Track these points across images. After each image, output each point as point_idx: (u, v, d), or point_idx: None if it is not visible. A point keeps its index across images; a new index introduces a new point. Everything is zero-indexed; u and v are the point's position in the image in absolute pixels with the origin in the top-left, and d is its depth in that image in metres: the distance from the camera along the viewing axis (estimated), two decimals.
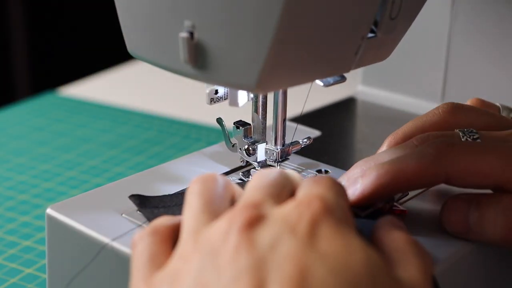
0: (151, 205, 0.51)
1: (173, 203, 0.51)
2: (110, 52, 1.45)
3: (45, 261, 0.54)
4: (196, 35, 0.45)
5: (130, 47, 0.50)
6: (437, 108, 0.54)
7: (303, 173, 0.57)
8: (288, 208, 0.41)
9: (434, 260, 0.47)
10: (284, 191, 0.45)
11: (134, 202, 0.51)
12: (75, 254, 0.50)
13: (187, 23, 0.45)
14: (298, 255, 0.38)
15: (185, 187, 0.53)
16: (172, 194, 0.52)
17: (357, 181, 0.49)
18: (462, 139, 0.50)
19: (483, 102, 0.57)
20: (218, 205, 0.44)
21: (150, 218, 0.49)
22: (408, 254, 0.42)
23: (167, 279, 0.41)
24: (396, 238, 0.44)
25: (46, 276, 0.53)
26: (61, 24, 1.99)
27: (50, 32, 1.98)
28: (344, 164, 0.59)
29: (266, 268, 0.38)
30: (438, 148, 0.49)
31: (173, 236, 0.45)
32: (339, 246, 0.39)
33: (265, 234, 0.40)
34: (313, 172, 0.57)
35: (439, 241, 0.49)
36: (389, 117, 0.72)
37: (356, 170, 0.51)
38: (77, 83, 1.06)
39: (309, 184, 0.44)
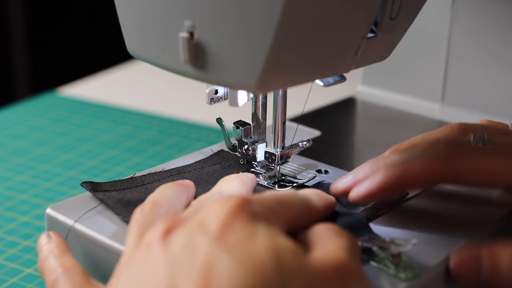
0: (103, 189, 0.53)
1: (124, 186, 0.53)
2: (110, 52, 1.45)
3: None
4: (196, 35, 0.45)
5: (130, 47, 0.50)
6: (445, 126, 0.54)
7: (303, 172, 0.57)
8: (205, 208, 0.43)
9: (434, 260, 0.47)
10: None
11: (87, 188, 0.53)
12: (75, 254, 0.50)
13: (187, 23, 0.45)
14: (206, 251, 0.39)
15: (137, 173, 0.56)
16: (122, 179, 0.54)
17: (366, 179, 0.49)
18: (472, 143, 0.50)
19: (492, 122, 0.57)
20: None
21: (103, 199, 0.52)
22: (330, 236, 0.43)
23: None
24: (317, 227, 0.44)
25: None
26: (61, 24, 1.99)
27: (50, 32, 1.98)
28: (344, 164, 0.59)
29: (178, 268, 0.39)
30: (448, 147, 0.49)
31: (82, 268, 0.47)
32: (245, 236, 0.40)
33: (180, 238, 0.41)
34: (313, 172, 0.57)
35: (438, 241, 0.49)
36: (389, 117, 0.72)
37: (365, 168, 0.51)
38: (77, 83, 1.06)
39: (232, 183, 0.47)
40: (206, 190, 0.54)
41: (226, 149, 0.59)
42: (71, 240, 0.50)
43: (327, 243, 0.43)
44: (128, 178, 0.54)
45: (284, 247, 0.40)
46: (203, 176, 0.55)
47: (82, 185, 0.53)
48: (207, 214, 0.42)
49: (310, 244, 0.43)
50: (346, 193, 0.50)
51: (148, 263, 0.41)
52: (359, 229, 0.48)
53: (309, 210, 0.46)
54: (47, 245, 0.49)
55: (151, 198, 0.48)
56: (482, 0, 0.68)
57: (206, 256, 0.39)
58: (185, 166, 0.57)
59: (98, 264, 0.50)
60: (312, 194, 0.48)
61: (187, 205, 0.50)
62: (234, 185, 0.50)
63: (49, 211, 0.52)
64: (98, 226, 0.49)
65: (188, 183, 0.51)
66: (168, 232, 0.41)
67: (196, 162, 0.58)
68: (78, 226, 0.50)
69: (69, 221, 0.51)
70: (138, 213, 0.46)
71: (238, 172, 0.56)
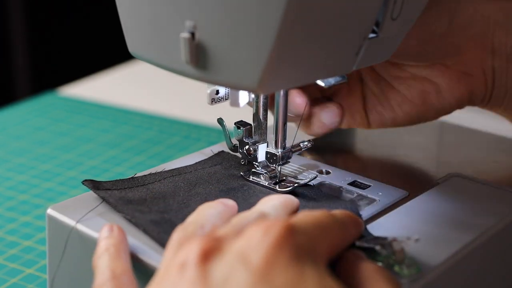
0: (104, 188, 0.53)
1: (125, 186, 0.53)
2: (110, 52, 1.45)
3: (46, 261, 0.54)
4: (197, 36, 0.45)
5: (131, 47, 0.50)
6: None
7: (303, 173, 0.57)
8: (247, 235, 0.40)
9: (435, 260, 0.47)
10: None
11: (88, 186, 0.53)
12: (76, 254, 0.50)
13: (189, 24, 0.45)
14: None
15: (138, 173, 0.55)
16: (123, 179, 0.54)
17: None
18: None
19: None
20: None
21: (104, 197, 0.52)
22: (379, 281, 0.42)
23: None
24: (364, 268, 0.43)
25: (46, 276, 0.53)
26: (61, 24, 1.99)
27: (50, 32, 1.98)
28: (345, 165, 0.59)
29: None
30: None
31: (133, 277, 0.45)
32: (292, 277, 0.38)
33: (220, 267, 0.39)
34: (314, 172, 0.57)
35: (439, 242, 0.49)
36: None
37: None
38: (77, 83, 1.06)
39: (273, 203, 0.44)
40: (207, 190, 0.54)
41: (227, 149, 0.59)
42: (73, 241, 0.50)
43: None
44: (129, 178, 0.54)
45: None
46: (204, 176, 0.55)
47: (83, 183, 0.53)
48: (248, 243, 0.39)
49: (360, 287, 0.42)
50: None
51: (182, 286, 0.39)
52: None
53: (345, 235, 0.45)
54: (106, 240, 0.47)
55: (195, 218, 0.46)
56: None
57: None
58: (186, 166, 0.57)
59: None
60: (345, 217, 0.46)
61: None
62: (275, 205, 0.47)
63: (49, 211, 0.52)
64: (100, 227, 0.49)
65: (232, 204, 0.48)
66: (206, 256, 0.39)
67: (197, 163, 0.58)
68: (80, 227, 0.50)
69: (70, 221, 0.51)
70: (180, 232, 0.44)
71: (239, 173, 0.56)
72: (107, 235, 0.47)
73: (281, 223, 0.40)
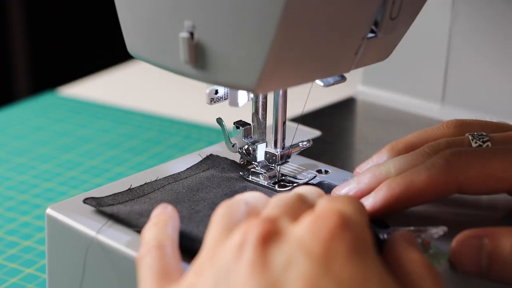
0: (107, 204, 0.51)
1: (125, 198, 0.52)
2: (110, 52, 1.45)
3: (45, 261, 0.54)
4: (196, 35, 0.45)
5: (130, 47, 0.50)
6: (441, 123, 0.54)
7: (303, 173, 0.57)
8: (304, 224, 0.40)
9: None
10: (302, 208, 0.43)
11: (91, 204, 0.51)
12: (75, 254, 0.50)
13: (187, 23, 0.45)
14: (312, 278, 0.37)
15: (131, 183, 0.54)
16: (121, 192, 0.53)
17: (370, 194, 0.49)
18: (472, 143, 0.50)
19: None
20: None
21: (113, 214, 0.50)
22: (425, 279, 0.42)
23: None
24: (413, 259, 0.43)
25: (46, 276, 0.53)
26: (61, 24, 1.99)
27: (50, 32, 1.97)
28: (344, 164, 0.59)
29: None
30: (447, 158, 0.48)
31: (177, 250, 0.45)
32: (355, 272, 0.38)
33: (280, 253, 0.39)
34: (313, 172, 0.57)
35: (438, 241, 0.49)
36: (389, 117, 0.72)
37: (367, 175, 0.50)
38: (77, 83, 1.06)
39: (328, 199, 0.43)
40: (211, 194, 0.53)
41: (225, 149, 0.59)
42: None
43: None
44: (127, 190, 0.53)
45: None
46: (203, 182, 0.55)
47: (85, 202, 0.52)
48: (306, 230, 0.39)
49: (405, 278, 0.42)
50: None
51: (240, 267, 0.38)
52: (379, 224, 0.49)
53: (369, 219, 0.45)
54: (157, 216, 0.47)
55: (239, 196, 0.45)
56: (483, 0, 0.68)
57: (313, 283, 0.37)
58: (179, 173, 0.56)
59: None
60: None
61: None
62: (310, 189, 0.47)
63: (49, 211, 0.52)
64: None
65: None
66: (265, 240, 0.39)
67: (188, 168, 0.57)
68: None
69: (70, 222, 0.51)
70: (226, 208, 0.44)
71: (235, 174, 0.56)
72: (159, 212, 0.47)
73: (336, 212, 0.40)
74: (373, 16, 0.48)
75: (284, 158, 0.56)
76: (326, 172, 0.58)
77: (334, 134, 0.65)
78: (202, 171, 0.56)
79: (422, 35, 0.72)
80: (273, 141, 0.56)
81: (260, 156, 0.56)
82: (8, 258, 0.64)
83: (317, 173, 0.57)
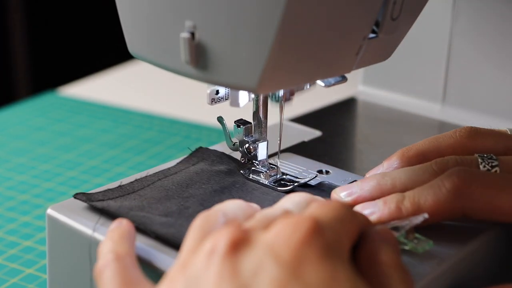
0: (97, 199, 0.52)
1: (116, 195, 0.52)
2: (110, 52, 1.45)
3: (46, 261, 0.54)
4: (197, 36, 0.45)
5: (131, 47, 0.50)
6: (454, 130, 0.54)
7: (303, 173, 0.57)
8: (275, 230, 0.40)
9: (433, 260, 0.47)
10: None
11: (81, 199, 0.52)
12: (76, 254, 0.50)
13: (188, 24, 0.45)
14: (280, 283, 0.37)
15: (122, 180, 0.54)
16: (112, 188, 0.53)
17: (376, 205, 0.49)
18: (481, 166, 0.50)
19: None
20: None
21: (103, 208, 0.51)
22: (394, 281, 0.42)
23: None
24: (385, 260, 0.43)
25: (46, 276, 0.53)
26: (61, 24, 1.99)
27: (50, 32, 1.98)
28: (344, 165, 0.59)
29: None
30: (455, 183, 0.48)
31: (136, 261, 0.45)
32: (323, 276, 0.38)
33: (249, 259, 0.39)
34: (313, 172, 0.57)
35: (437, 241, 0.49)
36: (390, 117, 0.72)
37: (371, 183, 0.50)
38: (77, 83, 1.06)
39: (308, 205, 0.43)
40: (201, 190, 0.53)
41: (225, 148, 0.59)
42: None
43: None
44: (117, 187, 0.53)
45: None
46: (193, 177, 0.55)
47: (76, 197, 0.52)
48: (276, 236, 0.39)
49: (375, 278, 0.42)
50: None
51: (209, 274, 0.39)
52: None
53: (359, 224, 0.44)
54: (112, 231, 0.47)
55: (220, 207, 0.46)
56: (483, 0, 0.68)
57: None
58: (169, 168, 0.56)
59: None
60: (355, 211, 0.46)
61: None
62: (299, 202, 0.47)
63: (49, 211, 0.52)
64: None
65: (256, 207, 0.48)
66: (235, 247, 0.39)
67: (178, 163, 0.57)
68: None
69: (71, 222, 0.51)
70: (203, 219, 0.44)
71: (224, 167, 0.56)
72: (114, 227, 0.48)
73: (309, 219, 0.40)
74: (374, 17, 0.48)
75: (287, 95, 0.53)
76: (327, 172, 0.58)
77: (334, 134, 0.65)
78: (192, 165, 0.56)
79: (423, 36, 0.72)
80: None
81: (261, 154, 0.56)
82: (9, 258, 0.64)
83: (317, 173, 0.57)
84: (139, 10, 0.48)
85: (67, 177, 0.77)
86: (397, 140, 0.64)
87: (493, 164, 0.50)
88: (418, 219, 0.47)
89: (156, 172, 0.55)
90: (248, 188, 0.55)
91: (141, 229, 0.49)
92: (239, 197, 0.53)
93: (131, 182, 0.54)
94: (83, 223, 0.50)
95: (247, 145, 0.56)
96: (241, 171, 0.57)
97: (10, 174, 0.78)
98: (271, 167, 0.56)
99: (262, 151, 0.56)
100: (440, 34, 0.71)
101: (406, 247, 0.47)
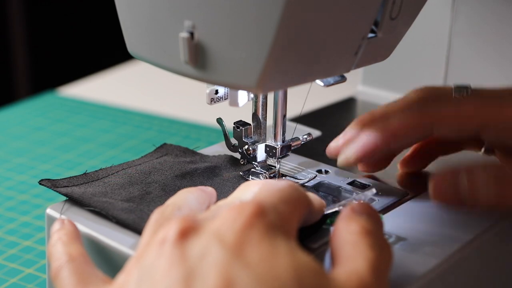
0: (62, 185, 0.53)
1: (80, 181, 0.54)
2: (110, 52, 1.45)
3: (45, 261, 0.54)
4: (196, 35, 0.45)
5: (130, 47, 0.50)
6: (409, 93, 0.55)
7: (303, 172, 0.57)
8: (221, 216, 0.42)
9: (432, 260, 0.47)
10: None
11: (46, 185, 0.53)
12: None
13: (188, 23, 0.45)
14: (224, 264, 0.39)
15: (93, 169, 0.56)
16: (77, 176, 0.55)
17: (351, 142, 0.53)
18: (454, 94, 0.53)
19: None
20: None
21: (67, 194, 0.52)
22: (359, 246, 0.42)
23: None
24: (351, 230, 0.43)
25: (46, 276, 0.53)
26: (61, 24, 1.99)
27: (50, 32, 1.98)
28: None
29: (193, 279, 0.39)
30: (423, 98, 0.52)
31: (89, 258, 0.47)
32: (265, 254, 0.39)
33: (196, 245, 0.40)
34: (313, 172, 0.57)
35: (438, 242, 0.49)
36: None
37: (353, 128, 0.53)
38: (77, 83, 1.06)
39: (252, 189, 0.45)
40: (163, 177, 0.55)
41: (226, 149, 0.59)
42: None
43: (353, 259, 0.42)
44: (83, 174, 0.55)
45: (306, 266, 0.40)
46: (156, 165, 0.56)
47: (40, 183, 0.54)
48: (222, 222, 0.41)
49: (335, 253, 0.43)
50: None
51: (160, 262, 0.40)
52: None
53: (310, 205, 0.46)
54: (58, 232, 0.49)
55: (173, 200, 0.47)
56: (482, 0, 0.68)
57: (225, 270, 0.39)
58: (134, 160, 0.58)
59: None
60: (309, 193, 0.47)
61: None
62: (255, 192, 0.47)
63: (49, 211, 0.52)
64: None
65: (211, 191, 0.50)
66: (183, 234, 0.41)
67: (143, 156, 0.58)
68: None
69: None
70: (158, 214, 0.46)
71: (188, 159, 0.57)
72: (58, 227, 0.49)
73: (252, 203, 0.42)
74: (373, 16, 0.48)
75: (285, 151, 0.56)
76: (326, 172, 0.58)
77: (334, 134, 0.65)
78: (156, 158, 0.58)
79: (422, 35, 0.72)
80: (273, 135, 0.56)
81: (260, 156, 0.56)
82: (8, 258, 0.64)
83: (317, 173, 0.57)
84: (138, 10, 0.48)
85: (66, 177, 0.77)
86: None
87: (468, 91, 0.53)
88: (368, 193, 0.50)
89: (121, 164, 0.57)
90: (209, 175, 0.56)
91: (103, 214, 0.50)
92: (200, 183, 0.54)
93: (95, 171, 0.56)
94: (82, 223, 0.50)
95: (246, 146, 0.56)
96: (240, 172, 0.57)
97: (10, 174, 0.78)
98: (270, 168, 0.56)
99: (261, 152, 0.56)
100: (439, 33, 0.71)
101: None
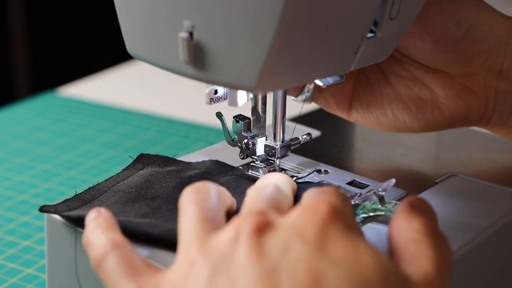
0: (64, 210, 0.50)
1: (77, 205, 0.51)
2: (110, 52, 1.45)
3: (45, 261, 0.54)
4: (195, 35, 0.45)
5: (130, 47, 0.50)
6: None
7: (302, 172, 0.57)
8: (296, 214, 0.41)
9: None
10: (283, 203, 0.45)
11: (49, 211, 0.50)
12: (75, 254, 0.50)
13: (187, 23, 0.45)
14: (310, 260, 0.39)
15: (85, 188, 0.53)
16: (70, 199, 0.51)
17: None
18: None
19: None
20: (213, 213, 0.44)
21: (73, 218, 0.49)
22: (424, 246, 0.42)
23: (171, 285, 0.41)
24: (413, 228, 0.43)
25: (45, 276, 0.53)
26: (60, 24, 1.99)
27: (50, 32, 1.98)
28: (344, 164, 0.59)
29: (278, 274, 0.38)
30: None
31: (132, 247, 0.44)
32: (349, 250, 0.39)
33: (275, 240, 0.40)
34: (312, 169, 0.57)
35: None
36: None
37: None
38: (77, 83, 1.06)
39: (315, 192, 0.44)
40: (163, 189, 0.52)
41: (227, 147, 0.58)
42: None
43: (418, 259, 0.41)
44: (75, 196, 0.51)
45: (387, 264, 0.40)
46: (149, 178, 0.54)
47: (41, 211, 0.50)
48: (299, 219, 0.41)
49: (397, 249, 0.42)
50: None
51: (239, 255, 0.39)
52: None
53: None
54: (96, 219, 0.46)
55: (195, 185, 0.45)
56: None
57: (311, 265, 0.38)
58: (117, 175, 0.54)
59: None
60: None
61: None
62: (281, 179, 0.48)
63: None
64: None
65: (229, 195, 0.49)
66: (260, 230, 0.40)
67: (123, 170, 0.56)
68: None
69: (69, 222, 0.51)
70: (193, 193, 0.44)
71: (174, 168, 0.55)
72: (94, 215, 0.46)
73: (325, 202, 0.41)
74: (372, 16, 0.48)
75: (284, 151, 0.56)
76: (326, 172, 0.58)
77: (334, 134, 0.65)
78: (138, 170, 0.55)
79: None
80: (272, 135, 0.56)
81: (260, 150, 0.56)
82: (8, 258, 0.64)
83: (316, 172, 0.57)
84: (138, 10, 0.48)
85: (66, 177, 0.77)
86: (395, 140, 0.64)
87: None
88: (388, 184, 0.51)
89: (107, 179, 0.54)
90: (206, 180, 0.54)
91: (127, 232, 0.47)
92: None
93: (86, 190, 0.52)
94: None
95: (245, 140, 0.56)
96: (239, 166, 0.57)
97: (9, 174, 0.78)
98: (270, 163, 0.56)
99: (260, 147, 0.56)
100: None
101: (382, 213, 0.50)
